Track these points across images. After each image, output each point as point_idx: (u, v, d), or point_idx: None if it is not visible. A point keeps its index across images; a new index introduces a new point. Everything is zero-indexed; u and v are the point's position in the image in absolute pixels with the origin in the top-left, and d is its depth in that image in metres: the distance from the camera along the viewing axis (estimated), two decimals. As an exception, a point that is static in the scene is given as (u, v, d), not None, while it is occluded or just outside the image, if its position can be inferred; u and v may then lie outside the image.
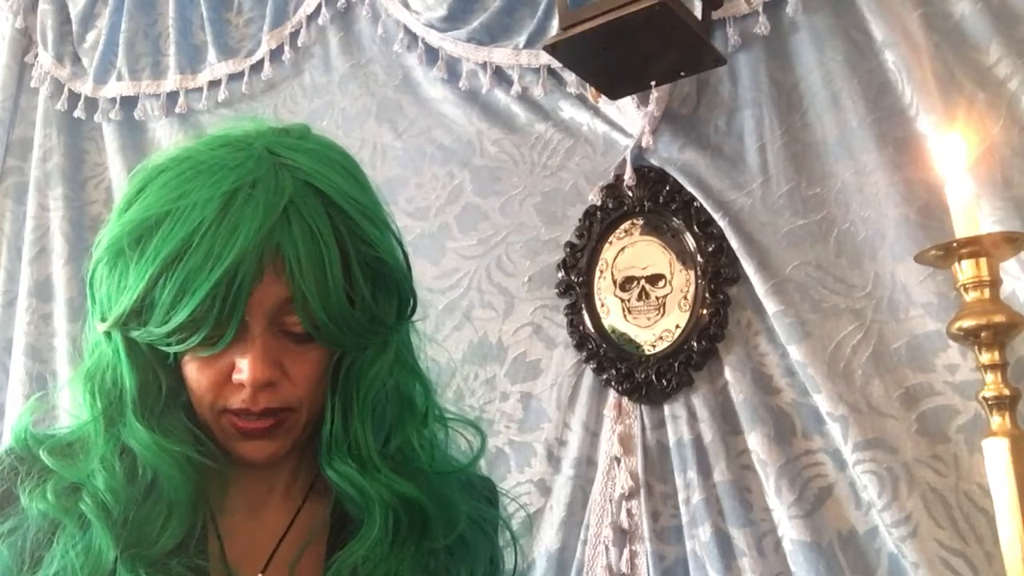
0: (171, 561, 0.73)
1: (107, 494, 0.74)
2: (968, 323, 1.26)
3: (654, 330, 1.74)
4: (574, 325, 1.81)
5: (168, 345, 0.74)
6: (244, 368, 0.73)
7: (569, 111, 1.90)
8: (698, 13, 1.61)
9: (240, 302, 0.71)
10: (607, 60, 1.63)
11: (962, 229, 1.27)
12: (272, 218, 0.72)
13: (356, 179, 0.81)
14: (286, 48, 2.23)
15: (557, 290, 1.84)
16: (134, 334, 0.75)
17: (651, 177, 1.79)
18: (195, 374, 0.76)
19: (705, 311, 1.69)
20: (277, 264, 0.72)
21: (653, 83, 1.69)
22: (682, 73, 1.68)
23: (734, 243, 1.66)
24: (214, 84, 2.30)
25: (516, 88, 1.92)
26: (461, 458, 0.88)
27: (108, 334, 0.78)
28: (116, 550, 0.72)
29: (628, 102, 1.80)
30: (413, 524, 0.79)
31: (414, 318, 0.85)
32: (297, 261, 0.72)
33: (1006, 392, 1.25)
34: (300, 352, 0.76)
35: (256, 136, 0.79)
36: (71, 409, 0.81)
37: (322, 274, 0.73)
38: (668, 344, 1.72)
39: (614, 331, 1.77)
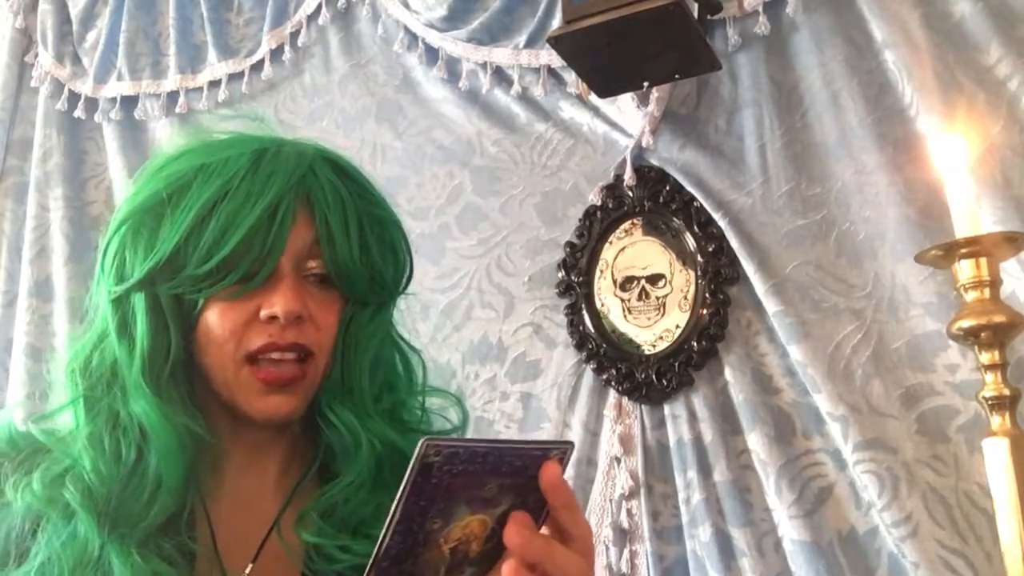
0: (162, 540, 0.74)
1: (92, 475, 0.75)
2: (968, 323, 1.26)
3: (654, 330, 1.74)
4: (574, 325, 1.81)
5: (200, 290, 0.77)
6: (277, 301, 0.77)
7: (569, 111, 1.90)
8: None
9: (281, 237, 0.77)
10: (606, 58, 1.63)
11: (962, 229, 1.27)
12: (302, 168, 0.81)
13: (364, 175, 0.90)
14: (286, 48, 2.22)
15: (557, 290, 1.84)
16: (162, 288, 0.78)
17: (651, 177, 1.79)
18: (217, 320, 0.78)
19: (705, 311, 1.69)
20: (307, 209, 0.80)
21: (646, 84, 1.69)
22: (677, 76, 1.67)
23: (734, 243, 1.66)
24: (214, 84, 2.29)
25: (516, 88, 1.92)
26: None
27: (119, 301, 0.80)
28: (102, 535, 0.72)
29: (628, 102, 1.80)
30: (395, 472, 0.80)
31: (412, 320, 0.91)
32: (325, 204, 0.80)
33: (1006, 392, 1.25)
34: (322, 298, 0.81)
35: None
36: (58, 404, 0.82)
37: (343, 219, 0.81)
38: (668, 344, 1.72)
39: (614, 331, 1.77)
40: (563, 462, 0.64)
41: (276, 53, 2.23)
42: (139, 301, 0.79)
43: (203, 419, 0.79)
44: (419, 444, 0.58)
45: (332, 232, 0.80)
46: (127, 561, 0.72)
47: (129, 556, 0.72)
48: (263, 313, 0.77)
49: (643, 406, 1.72)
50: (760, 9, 1.68)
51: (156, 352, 0.78)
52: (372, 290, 0.84)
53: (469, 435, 0.95)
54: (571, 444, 0.65)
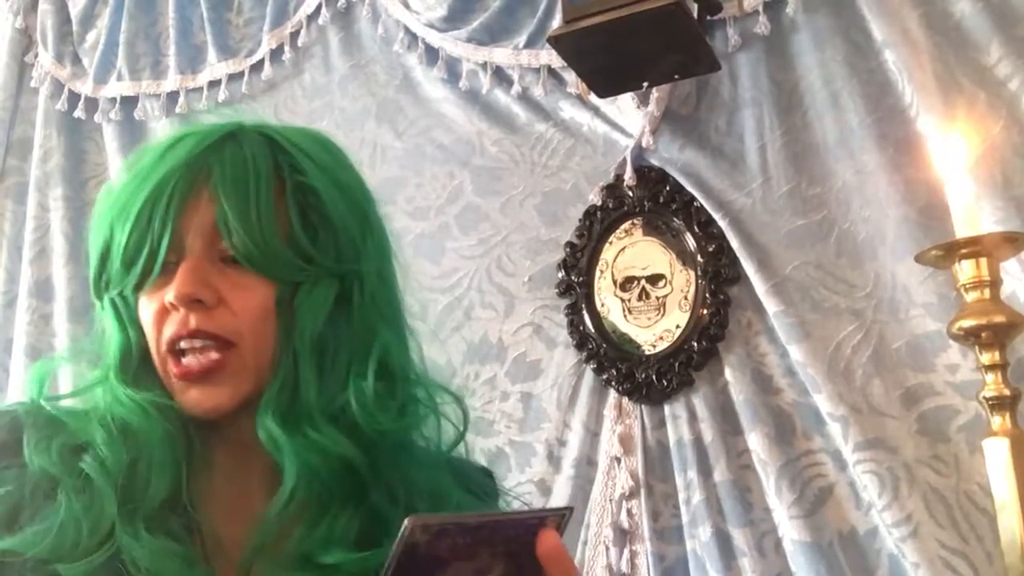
0: (169, 517, 0.74)
1: (104, 449, 0.75)
2: (968, 323, 1.26)
3: (654, 330, 1.74)
4: (574, 325, 1.81)
5: (126, 286, 0.77)
6: (172, 286, 0.74)
7: (569, 111, 1.90)
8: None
9: (169, 218, 0.74)
10: (606, 58, 1.63)
11: (963, 229, 1.27)
12: (206, 144, 0.77)
13: (326, 148, 0.84)
14: (286, 48, 2.22)
15: (557, 290, 1.84)
16: (111, 290, 0.79)
17: (651, 177, 1.79)
18: (144, 313, 0.78)
19: (705, 311, 1.69)
20: (211, 186, 0.76)
21: (646, 84, 1.69)
22: (677, 76, 1.67)
23: (734, 243, 1.66)
24: (214, 84, 2.29)
25: (516, 88, 1.92)
26: (450, 437, 0.86)
27: (102, 305, 0.81)
28: (116, 506, 0.73)
29: (628, 102, 1.80)
30: (343, 485, 0.76)
31: (412, 320, 0.86)
32: (223, 181, 0.76)
33: (1006, 392, 1.26)
34: (239, 280, 0.76)
35: None
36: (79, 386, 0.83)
37: (244, 195, 0.76)
38: (668, 344, 1.72)
39: (614, 331, 1.77)
40: (560, 527, 0.61)
41: (276, 53, 2.23)
42: (106, 303, 0.81)
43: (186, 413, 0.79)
44: (404, 525, 0.54)
45: (227, 211, 0.75)
46: (136, 535, 0.72)
47: (138, 531, 0.72)
48: (165, 299, 0.75)
49: (643, 406, 1.72)
50: (760, 9, 1.68)
51: (124, 349, 0.79)
52: (301, 269, 0.77)
53: (468, 434, 0.90)
54: (570, 509, 0.63)
